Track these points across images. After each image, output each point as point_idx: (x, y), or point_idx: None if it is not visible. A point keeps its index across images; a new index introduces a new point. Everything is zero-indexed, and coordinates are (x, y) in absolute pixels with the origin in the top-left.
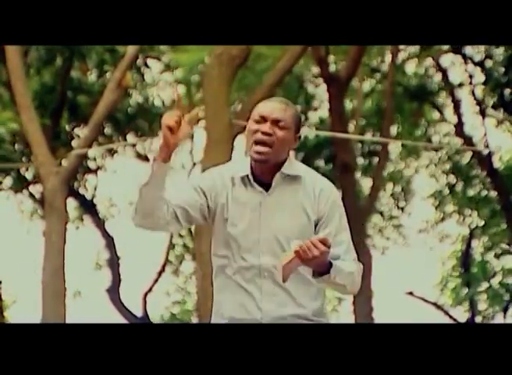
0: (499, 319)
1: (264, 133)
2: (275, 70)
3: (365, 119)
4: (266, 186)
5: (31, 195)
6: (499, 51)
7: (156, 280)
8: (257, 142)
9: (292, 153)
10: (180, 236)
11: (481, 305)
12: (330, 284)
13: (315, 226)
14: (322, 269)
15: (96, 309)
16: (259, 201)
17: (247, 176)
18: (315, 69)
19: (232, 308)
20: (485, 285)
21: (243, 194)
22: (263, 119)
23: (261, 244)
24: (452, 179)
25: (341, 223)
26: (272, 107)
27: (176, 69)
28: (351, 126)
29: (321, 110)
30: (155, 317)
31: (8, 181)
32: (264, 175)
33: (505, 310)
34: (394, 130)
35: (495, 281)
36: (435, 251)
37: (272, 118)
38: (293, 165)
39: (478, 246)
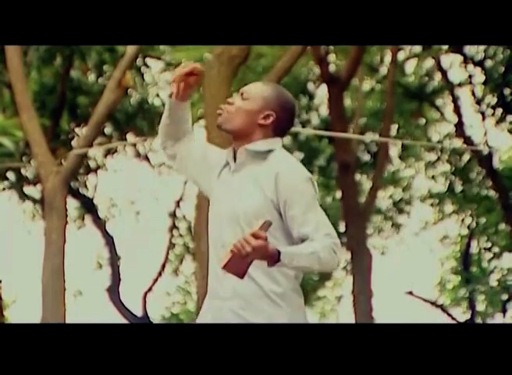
0: (498, 319)
1: (227, 102)
2: (275, 70)
3: (365, 119)
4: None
5: (31, 195)
6: (499, 51)
7: (156, 280)
8: (218, 110)
9: (276, 139)
10: (180, 236)
11: (481, 305)
12: (293, 268)
13: (279, 208)
14: (270, 259)
15: (96, 309)
16: (229, 177)
17: (227, 156)
18: (315, 69)
19: (209, 283)
20: (484, 285)
21: (224, 173)
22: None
23: (223, 219)
24: (451, 179)
25: (306, 202)
26: (250, 84)
27: (176, 68)
28: (351, 126)
29: (322, 110)
30: (155, 317)
31: (8, 181)
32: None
33: (504, 310)
34: (394, 130)
35: (494, 281)
36: (435, 252)
37: (240, 90)
38: (263, 143)
39: (477, 246)
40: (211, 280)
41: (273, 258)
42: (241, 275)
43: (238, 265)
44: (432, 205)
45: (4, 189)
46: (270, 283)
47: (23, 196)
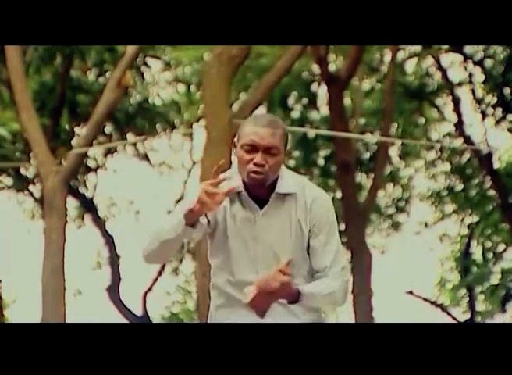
0: (498, 319)
1: (257, 164)
2: (275, 69)
3: (365, 118)
4: (259, 202)
5: (31, 194)
6: (499, 51)
7: (156, 280)
8: (251, 175)
9: (283, 166)
10: None
11: (481, 305)
12: (310, 306)
13: (308, 236)
14: (291, 298)
15: (96, 309)
16: (254, 217)
17: (242, 192)
18: (315, 69)
19: (232, 318)
20: (484, 285)
21: (239, 210)
22: (254, 149)
23: (259, 260)
24: (451, 178)
25: (330, 232)
26: (261, 134)
27: (177, 67)
28: (351, 126)
29: (322, 109)
30: (155, 317)
31: (8, 181)
32: (257, 192)
33: (504, 310)
34: (394, 129)
35: (494, 281)
36: (435, 251)
37: (263, 146)
38: (286, 181)
39: (477, 246)
40: (234, 314)
41: (293, 298)
42: (262, 314)
43: (262, 302)
44: (432, 204)
45: (4, 189)
46: (309, 315)
47: (23, 196)
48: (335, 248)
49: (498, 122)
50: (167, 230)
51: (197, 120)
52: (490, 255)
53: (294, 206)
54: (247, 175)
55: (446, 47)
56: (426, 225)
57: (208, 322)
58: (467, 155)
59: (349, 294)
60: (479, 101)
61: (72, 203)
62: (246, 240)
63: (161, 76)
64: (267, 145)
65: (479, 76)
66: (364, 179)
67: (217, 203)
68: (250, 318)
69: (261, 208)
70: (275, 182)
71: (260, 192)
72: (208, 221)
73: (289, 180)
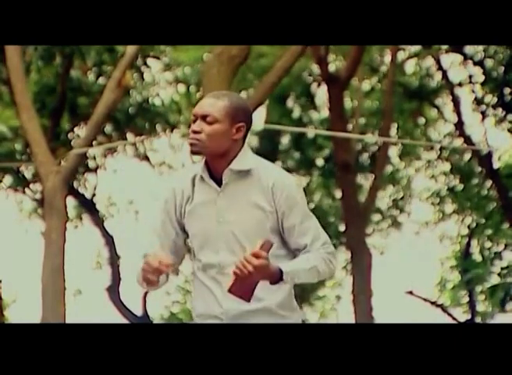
0: (498, 319)
1: (192, 131)
2: (275, 69)
3: (365, 118)
4: (221, 182)
5: (31, 194)
6: (499, 51)
7: None
8: (188, 142)
9: (246, 146)
10: None
11: (481, 305)
12: (294, 282)
13: (277, 218)
14: (273, 278)
15: (96, 309)
16: (214, 198)
17: (201, 174)
18: (315, 69)
19: (198, 304)
20: (484, 285)
21: (201, 192)
22: (195, 118)
23: (219, 241)
24: (451, 178)
25: (302, 211)
26: (201, 103)
27: (177, 68)
28: (351, 126)
29: (322, 110)
30: (155, 316)
31: (7, 180)
32: (217, 171)
33: (504, 310)
34: (394, 129)
35: (494, 281)
36: (435, 251)
37: (199, 114)
38: (244, 159)
39: (477, 246)
40: (203, 302)
41: (275, 277)
42: (247, 298)
43: (243, 287)
44: (432, 204)
45: (3, 188)
46: (272, 296)
47: (23, 196)
48: (312, 225)
49: (498, 122)
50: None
51: None
52: (490, 255)
53: (252, 185)
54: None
55: (446, 47)
56: (426, 225)
57: (192, 312)
58: (467, 156)
59: (335, 268)
60: (479, 102)
61: (72, 203)
62: (207, 221)
63: (161, 77)
64: (202, 113)
65: (479, 77)
66: (364, 179)
67: (157, 277)
68: (213, 302)
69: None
70: (232, 161)
71: (218, 172)
72: (174, 226)
73: (245, 159)
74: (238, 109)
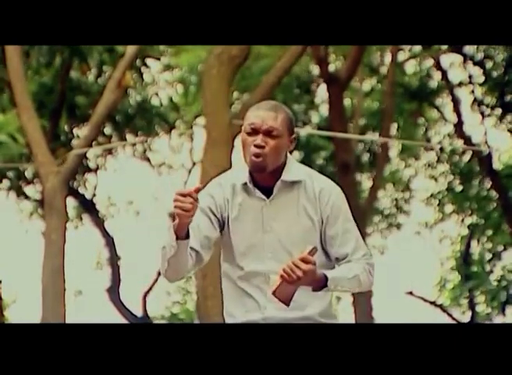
0: (498, 319)
1: (257, 146)
2: (275, 70)
3: (365, 119)
4: (267, 192)
5: (31, 195)
6: (499, 51)
7: (156, 280)
8: (251, 158)
9: (290, 156)
10: None
11: (481, 306)
12: (335, 291)
13: (322, 226)
14: (318, 284)
15: (96, 309)
16: (261, 207)
17: (247, 183)
18: (315, 69)
19: (237, 311)
20: (484, 285)
21: (245, 201)
22: (255, 131)
23: (266, 250)
24: (451, 179)
25: (346, 220)
26: (263, 117)
27: (176, 68)
28: (351, 126)
29: (322, 110)
30: (155, 317)
31: (8, 181)
32: (264, 181)
33: (504, 310)
34: (394, 129)
35: (494, 281)
36: (435, 252)
37: (263, 129)
38: (293, 169)
39: (477, 246)
40: (243, 308)
41: (320, 284)
42: (288, 302)
43: (286, 291)
44: (432, 204)
45: (3, 189)
46: (315, 305)
47: (23, 196)
48: (355, 235)
49: (498, 122)
50: (167, 250)
51: (197, 120)
52: (490, 255)
53: (301, 195)
54: (249, 160)
55: (445, 47)
56: (426, 225)
57: (225, 316)
58: (467, 156)
59: (373, 281)
60: (479, 102)
61: (71, 203)
62: (253, 230)
63: (161, 77)
64: (267, 127)
65: (479, 77)
66: (364, 179)
67: (191, 204)
68: (256, 310)
69: (268, 197)
70: (281, 171)
71: (265, 181)
72: (219, 222)
73: (295, 169)
74: (292, 121)
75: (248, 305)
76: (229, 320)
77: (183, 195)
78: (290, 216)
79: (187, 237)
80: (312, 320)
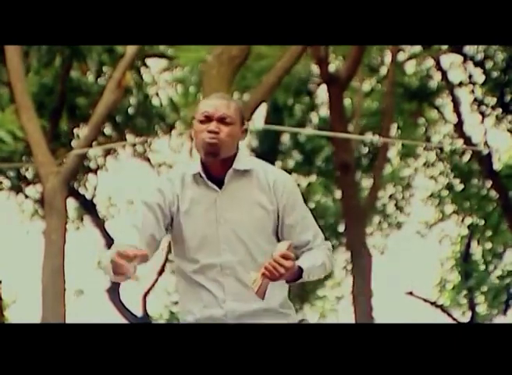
0: (498, 319)
1: (211, 131)
2: (275, 70)
3: (365, 119)
4: (219, 183)
5: (31, 195)
6: (499, 51)
7: (156, 280)
8: (205, 141)
9: (242, 147)
10: None
11: (481, 306)
12: (307, 280)
13: (278, 217)
14: (294, 276)
15: (96, 309)
16: (214, 198)
17: (199, 173)
18: (315, 69)
19: (196, 308)
20: (484, 286)
21: (196, 192)
22: (208, 119)
23: (221, 242)
24: (451, 179)
25: (303, 208)
26: (216, 105)
27: (176, 68)
28: (351, 126)
29: (321, 110)
30: (155, 316)
31: (8, 181)
32: (216, 171)
33: (504, 310)
34: (394, 129)
35: (494, 281)
36: (435, 252)
37: (216, 116)
38: (244, 159)
39: (477, 247)
40: (201, 304)
41: (296, 276)
42: (263, 296)
43: (265, 287)
44: (431, 204)
45: (3, 189)
46: (274, 295)
47: (23, 196)
48: (312, 222)
49: (498, 122)
50: (106, 266)
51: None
52: (490, 256)
53: (254, 185)
54: (202, 146)
55: (446, 47)
56: (426, 225)
57: (180, 313)
58: (467, 156)
59: (333, 261)
60: (479, 102)
61: (72, 204)
62: (207, 222)
63: (161, 77)
64: (220, 114)
65: (479, 77)
66: (364, 179)
67: (125, 268)
68: (214, 304)
69: (220, 188)
70: (232, 161)
71: (217, 171)
72: (165, 217)
73: (246, 159)
74: (242, 112)
75: (205, 299)
76: (188, 318)
77: (123, 257)
78: (243, 206)
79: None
80: (273, 312)
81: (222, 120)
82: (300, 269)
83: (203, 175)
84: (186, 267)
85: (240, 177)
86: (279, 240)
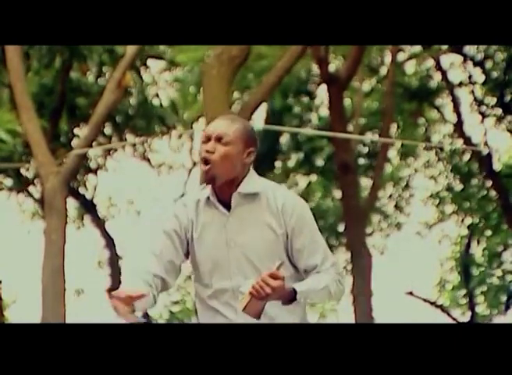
0: (498, 319)
1: (206, 151)
2: (275, 70)
3: (365, 119)
4: (228, 206)
5: (31, 195)
6: (499, 51)
7: None
8: (201, 161)
9: (252, 170)
10: None
11: (480, 306)
12: (306, 303)
13: (287, 240)
14: (287, 298)
15: (96, 309)
16: (223, 222)
17: (209, 197)
18: (315, 69)
19: None
20: (484, 286)
21: (208, 216)
22: (207, 139)
23: (232, 266)
24: (451, 179)
25: (312, 232)
26: (216, 124)
27: (176, 67)
28: (351, 126)
29: (321, 110)
30: (155, 316)
31: (8, 181)
32: (224, 195)
33: (504, 310)
34: (394, 130)
35: (494, 282)
36: (435, 252)
37: (214, 136)
38: (251, 182)
39: (477, 247)
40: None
41: (289, 298)
42: (258, 316)
43: (255, 306)
44: (431, 204)
45: (4, 189)
46: (288, 318)
47: (23, 196)
48: (322, 246)
49: (498, 122)
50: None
51: (197, 120)
52: (490, 256)
53: (262, 208)
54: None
55: (446, 47)
56: (426, 225)
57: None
58: (467, 156)
59: (345, 289)
60: (479, 102)
61: (72, 204)
62: (217, 247)
63: (161, 77)
64: (218, 134)
65: (479, 77)
66: (364, 179)
67: (121, 308)
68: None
69: (229, 211)
70: (239, 184)
71: (224, 194)
72: (183, 244)
73: (254, 182)
74: (250, 134)
75: (220, 322)
76: None
77: (119, 299)
78: (253, 229)
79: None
80: None
81: (218, 140)
82: (294, 291)
83: (212, 198)
84: (201, 292)
85: (248, 200)
86: (291, 263)
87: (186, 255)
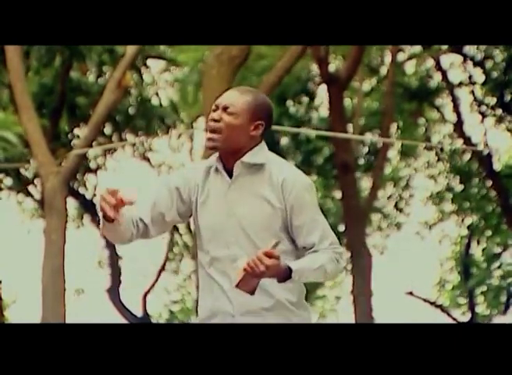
0: (498, 319)
1: (212, 119)
2: (275, 70)
3: (365, 119)
4: (232, 175)
5: (31, 195)
6: (499, 51)
7: (156, 280)
8: (207, 129)
9: (263, 143)
10: (180, 235)
11: (480, 306)
12: (301, 281)
13: (286, 216)
14: (282, 276)
15: (96, 309)
16: (225, 190)
17: (216, 165)
18: (315, 69)
19: (209, 301)
20: (483, 286)
21: (213, 183)
22: (216, 108)
23: (228, 235)
24: (451, 179)
25: (312, 211)
26: (226, 95)
27: (176, 67)
28: (351, 126)
29: (322, 110)
30: (155, 316)
31: (8, 181)
32: (230, 164)
33: (504, 310)
34: (394, 129)
35: (494, 282)
36: (435, 252)
37: (222, 105)
38: (258, 153)
39: (477, 247)
40: (212, 298)
41: (284, 275)
42: (252, 291)
43: (250, 282)
44: (432, 204)
45: (4, 189)
46: (285, 293)
47: (23, 196)
48: (321, 225)
49: (498, 122)
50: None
51: (197, 120)
52: (490, 256)
53: (264, 180)
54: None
55: (446, 47)
56: (426, 225)
57: (198, 306)
58: (467, 156)
59: (342, 267)
60: (479, 102)
61: (72, 203)
62: (217, 214)
63: (161, 77)
64: (225, 104)
65: (479, 77)
66: (364, 179)
67: (108, 204)
68: (223, 297)
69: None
70: (244, 154)
71: (229, 163)
72: (183, 202)
73: (260, 154)
74: (260, 107)
75: (215, 292)
76: (201, 313)
77: (109, 193)
78: (251, 201)
79: (113, 221)
80: (283, 308)
81: (225, 109)
82: (290, 269)
83: (218, 166)
84: (201, 259)
85: (251, 171)
86: (291, 238)
87: (181, 216)
